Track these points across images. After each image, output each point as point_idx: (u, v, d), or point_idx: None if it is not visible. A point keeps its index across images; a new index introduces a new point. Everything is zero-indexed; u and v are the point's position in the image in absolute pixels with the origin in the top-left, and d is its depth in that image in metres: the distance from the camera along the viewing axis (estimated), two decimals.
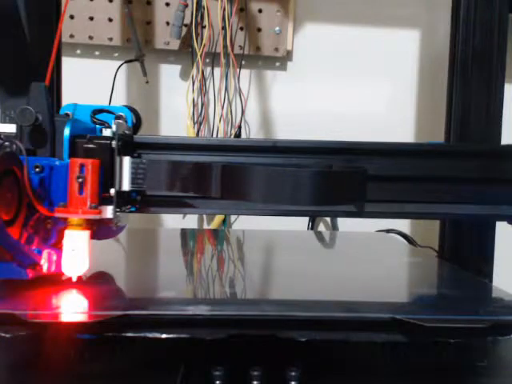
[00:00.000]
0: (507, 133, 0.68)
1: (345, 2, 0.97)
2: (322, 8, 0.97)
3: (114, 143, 0.43)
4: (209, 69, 0.93)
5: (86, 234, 0.42)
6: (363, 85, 0.98)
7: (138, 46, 0.89)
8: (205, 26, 0.88)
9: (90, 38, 0.92)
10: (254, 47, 0.94)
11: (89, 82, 0.89)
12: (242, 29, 0.92)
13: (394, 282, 0.53)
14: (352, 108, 0.97)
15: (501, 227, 0.69)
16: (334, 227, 0.94)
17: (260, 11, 0.93)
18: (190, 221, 0.97)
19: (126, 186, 0.44)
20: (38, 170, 0.40)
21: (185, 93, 0.90)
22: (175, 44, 0.92)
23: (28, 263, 0.41)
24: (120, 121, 0.47)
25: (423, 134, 0.99)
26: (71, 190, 0.41)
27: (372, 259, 0.63)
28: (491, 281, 0.69)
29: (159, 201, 0.48)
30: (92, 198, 0.41)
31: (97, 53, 0.95)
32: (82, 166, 0.41)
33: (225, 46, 0.89)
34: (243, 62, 0.93)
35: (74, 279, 0.43)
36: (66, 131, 0.43)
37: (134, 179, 0.45)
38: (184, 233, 0.82)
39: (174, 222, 0.97)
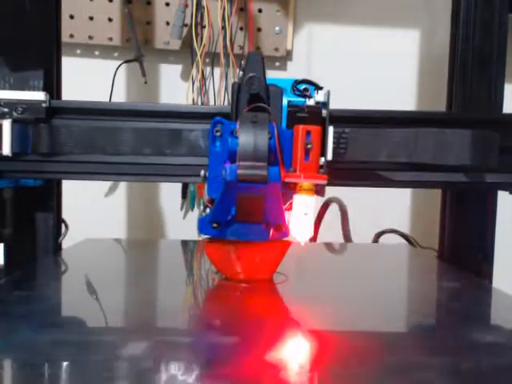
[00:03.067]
0: None
1: (345, 2, 0.97)
2: (322, 8, 0.97)
3: (324, 112, 0.44)
4: (209, 69, 0.93)
5: (314, 199, 0.44)
6: (363, 84, 0.98)
7: (137, 46, 0.89)
8: (205, 26, 0.88)
9: (90, 37, 0.92)
10: (253, 47, 0.94)
11: (89, 82, 0.89)
12: (241, 29, 0.92)
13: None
14: (352, 108, 0.97)
15: (501, 227, 0.69)
16: (347, 239, 0.86)
17: (260, 11, 0.93)
18: None
19: (330, 155, 0.46)
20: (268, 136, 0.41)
21: (185, 93, 0.90)
22: (175, 44, 0.92)
23: (275, 224, 0.44)
24: (326, 91, 0.47)
25: None
26: (300, 156, 0.43)
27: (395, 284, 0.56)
28: (491, 281, 0.69)
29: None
30: (316, 164, 0.43)
31: (97, 53, 0.95)
32: (307, 133, 0.42)
33: (225, 46, 0.89)
34: (243, 62, 0.93)
35: (303, 244, 0.45)
36: (285, 100, 0.45)
37: (334, 149, 0.46)
38: (184, 245, 0.77)
39: None
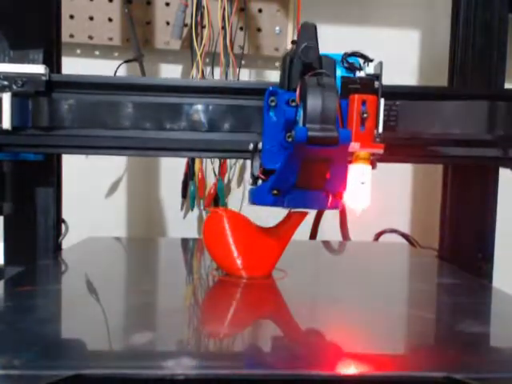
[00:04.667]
0: None
1: (345, 2, 0.97)
2: (321, 8, 0.97)
3: (376, 84, 0.45)
4: (209, 69, 0.93)
5: (370, 168, 0.45)
6: None
7: (137, 46, 0.89)
8: (205, 26, 0.88)
9: (90, 37, 0.91)
10: (253, 47, 0.93)
11: None
12: (241, 29, 0.92)
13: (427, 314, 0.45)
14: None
15: (501, 227, 0.69)
16: (345, 237, 0.86)
17: (260, 11, 0.93)
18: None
19: (381, 128, 0.46)
20: None
21: None
22: (175, 44, 0.92)
23: (337, 191, 0.44)
24: (378, 62, 0.47)
25: None
26: (356, 125, 0.43)
27: (392, 279, 0.57)
28: (491, 281, 0.69)
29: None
30: (372, 134, 0.43)
31: (97, 53, 0.95)
32: (363, 102, 0.43)
33: (225, 46, 0.89)
34: (243, 62, 0.93)
35: (358, 213, 0.46)
36: (339, 71, 0.46)
37: (385, 122, 0.47)
38: (185, 243, 0.78)
39: None
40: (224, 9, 0.86)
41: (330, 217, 0.86)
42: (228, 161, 0.93)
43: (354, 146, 0.43)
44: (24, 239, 0.63)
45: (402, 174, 1.00)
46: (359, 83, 0.45)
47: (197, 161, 0.90)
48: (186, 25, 0.90)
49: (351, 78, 0.45)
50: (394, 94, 0.52)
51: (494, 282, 0.69)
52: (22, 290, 0.47)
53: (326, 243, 0.79)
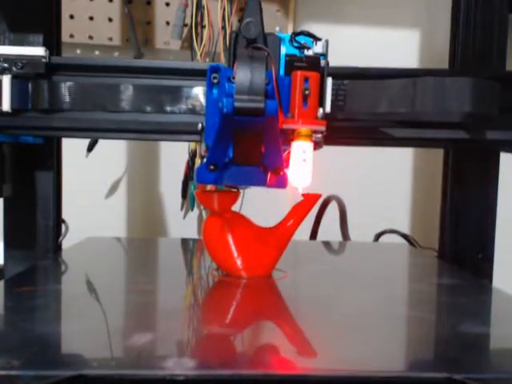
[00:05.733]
0: None
1: (345, 2, 0.97)
2: (321, 8, 0.97)
3: (323, 62, 0.44)
4: None
5: (312, 145, 0.44)
6: None
7: (137, 46, 0.89)
8: (205, 26, 0.88)
9: (90, 37, 0.92)
10: None
11: None
12: None
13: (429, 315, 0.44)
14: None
15: (501, 227, 0.69)
16: (345, 237, 0.86)
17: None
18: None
19: (328, 107, 0.45)
20: (266, 82, 0.40)
21: None
22: (175, 44, 0.92)
23: (274, 166, 0.43)
24: (324, 41, 0.46)
25: None
26: (298, 103, 0.42)
27: (393, 281, 0.57)
28: (491, 281, 0.69)
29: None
30: (315, 112, 0.43)
31: (97, 52, 0.95)
32: (306, 79, 0.42)
33: (225, 46, 0.88)
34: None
35: (301, 191, 0.44)
36: (283, 49, 0.45)
37: (333, 101, 0.46)
38: (185, 243, 0.78)
39: None
40: (224, 9, 0.86)
41: (330, 217, 0.87)
42: None
43: (295, 122, 0.43)
44: (24, 238, 0.63)
45: (402, 173, 1.00)
46: (305, 61, 0.44)
47: (197, 161, 0.90)
48: (185, 25, 0.90)
49: (296, 56, 0.45)
50: (343, 74, 0.50)
51: (494, 282, 0.69)
52: (22, 289, 0.47)
53: (326, 243, 0.79)
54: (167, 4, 0.92)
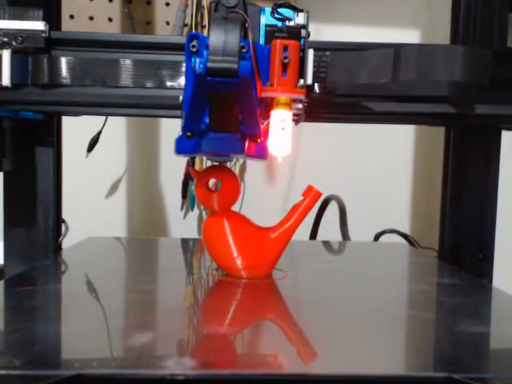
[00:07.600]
0: (508, 133, 0.68)
1: (345, 2, 0.97)
2: (321, 8, 0.97)
3: (303, 32, 0.44)
4: None
5: (291, 114, 0.43)
6: None
7: None
8: (205, 26, 0.88)
9: None
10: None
11: None
12: None
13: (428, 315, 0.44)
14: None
15: (501, 227, 0.69)
16: (345, 237, 0.86)
17: None
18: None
19: (310, 79, 0.45)
20: (244, 50, 0.40)
21: None
22: None
23: (251, 134, 0.42)
24: (305, 13, 0.46)
25: (423, 135, 0.99)
26: (278, 71, 0.42)
27: (393, 281, 0.57)
28: (491, 281, 0.69)
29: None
30: (294, 81, 0.42)
31: None
32: (285, 47, 0.42)
33: None
34: None
35: (280, 160, 0.44)
36: (263, 19, 0.45)
37: (315, 73, 0.46)
38: (185, 243, 0.78)
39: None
40: None
41: (330, 217, 0.87)
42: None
43: (274, 91, 0.42)
44: (24, 236, 0.63)
45: (402, 173, 1.00)
46: (285, 31, 0.44)
47: (197, 161, 0.90)
48: (185, 25, 0.90)
49: (277, 27, 0.45)
50: (325, 48, 0.51)
51: (494, 282, 0.69)
52: (22, 289, 0.47)
53: (326, 243, 0.79)
54: (167, 4, 0.92)
